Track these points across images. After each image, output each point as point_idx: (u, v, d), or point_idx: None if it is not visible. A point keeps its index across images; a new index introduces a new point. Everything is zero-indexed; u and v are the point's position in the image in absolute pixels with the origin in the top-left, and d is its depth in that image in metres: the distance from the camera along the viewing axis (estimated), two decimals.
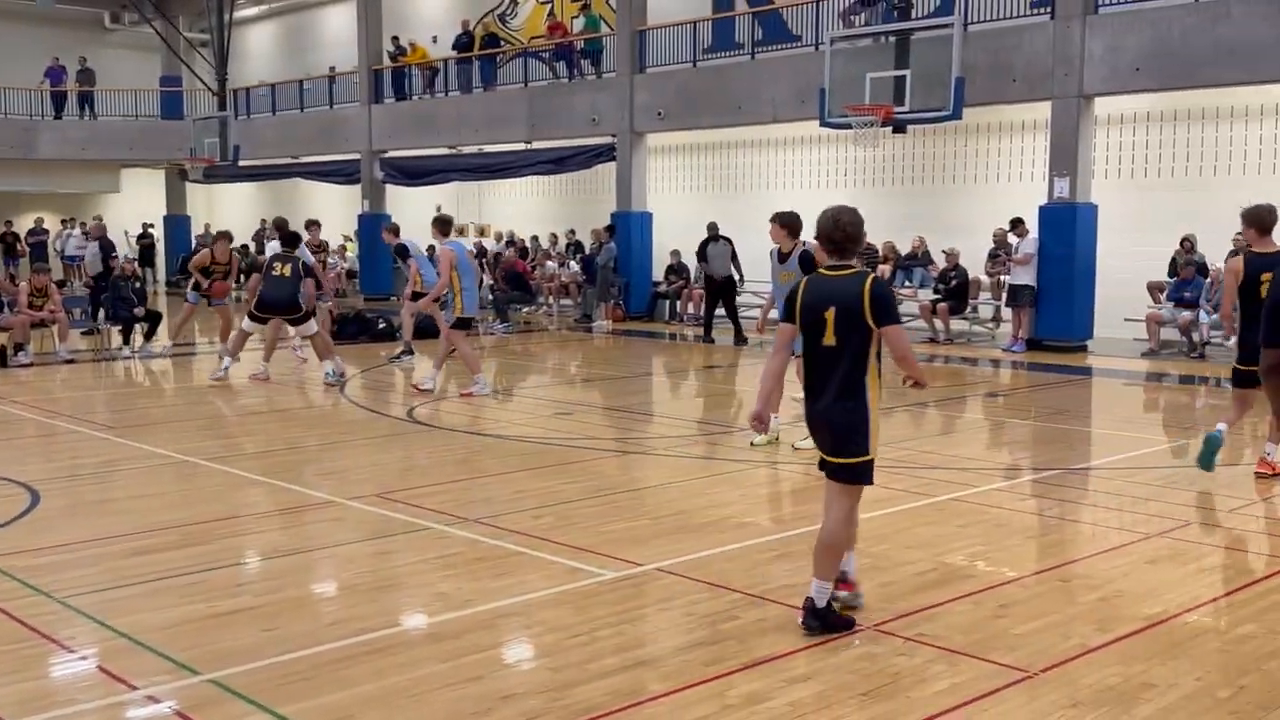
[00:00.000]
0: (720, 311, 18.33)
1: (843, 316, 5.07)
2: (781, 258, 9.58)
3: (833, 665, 4.89)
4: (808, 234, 7.78)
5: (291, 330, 14.30)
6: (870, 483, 5.28)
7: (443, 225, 12.69)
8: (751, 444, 9.59)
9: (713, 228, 18.78)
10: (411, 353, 16.07)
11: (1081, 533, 7.29)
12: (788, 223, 9.48)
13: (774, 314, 10.08)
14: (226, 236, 16.13)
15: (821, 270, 5.29)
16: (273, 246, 14.06)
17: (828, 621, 5.21)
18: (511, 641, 5.28)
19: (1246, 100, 16.70)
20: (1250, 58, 15.00)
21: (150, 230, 34.13)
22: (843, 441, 5.16)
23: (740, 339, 17.94)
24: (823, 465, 5.32)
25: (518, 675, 4.88)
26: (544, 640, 5.20)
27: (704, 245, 18.81)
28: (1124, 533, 7.06)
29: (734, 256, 18.64)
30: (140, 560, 6.41)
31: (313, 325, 13.92)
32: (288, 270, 13.58)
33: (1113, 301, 17.13)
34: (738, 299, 18.71)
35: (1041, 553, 6.71)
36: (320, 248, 17.91)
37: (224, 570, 6.32)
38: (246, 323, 13.98)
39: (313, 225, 17.73)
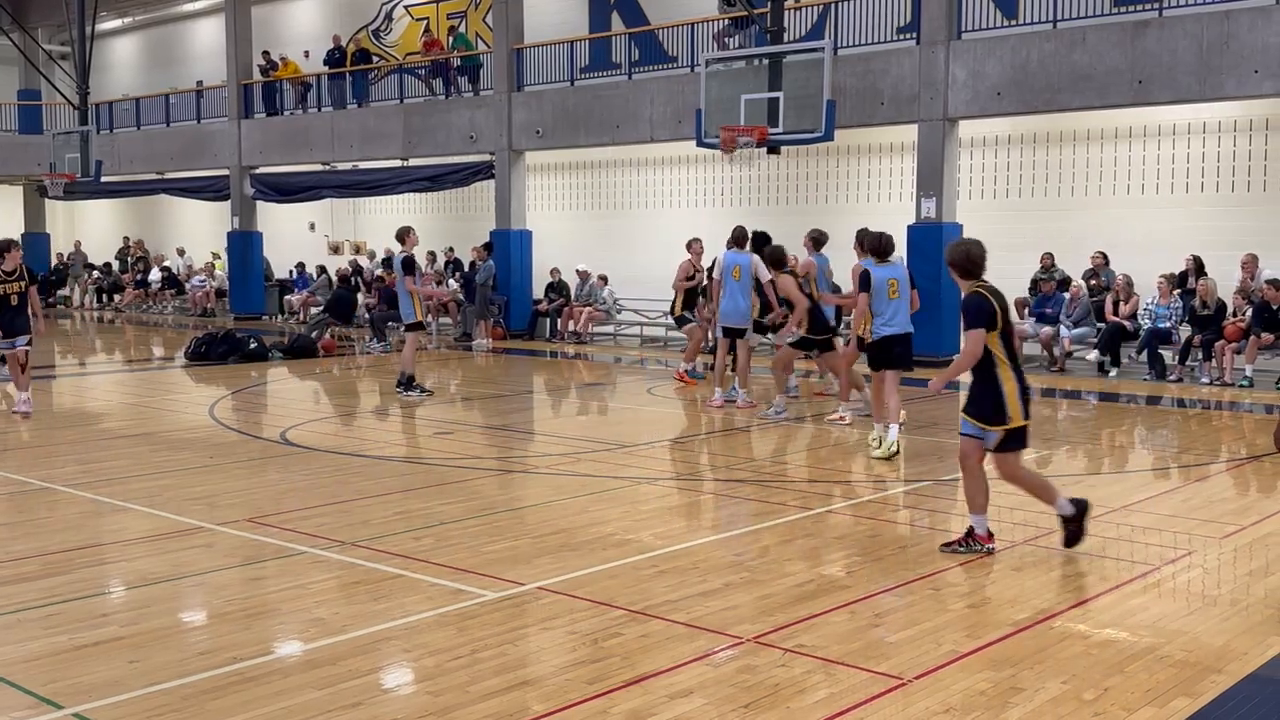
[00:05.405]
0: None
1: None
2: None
3: (714, 679, 4.93)
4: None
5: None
6: None
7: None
8: (873, 456, 10.22)
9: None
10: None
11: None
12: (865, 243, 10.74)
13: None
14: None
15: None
16: None
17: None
18: (391, 666, 5.20)
19: (1101, 124, 17.46)
20: (1103, 83, 15.72)
21: None
22: None
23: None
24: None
25: (397, 700, 4.80)
26: (424, 664, 5.13)
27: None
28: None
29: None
30: None
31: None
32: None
33: None
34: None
35: (913, 562, 6.88)
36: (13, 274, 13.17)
37: (87, 600, 6.08)
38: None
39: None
